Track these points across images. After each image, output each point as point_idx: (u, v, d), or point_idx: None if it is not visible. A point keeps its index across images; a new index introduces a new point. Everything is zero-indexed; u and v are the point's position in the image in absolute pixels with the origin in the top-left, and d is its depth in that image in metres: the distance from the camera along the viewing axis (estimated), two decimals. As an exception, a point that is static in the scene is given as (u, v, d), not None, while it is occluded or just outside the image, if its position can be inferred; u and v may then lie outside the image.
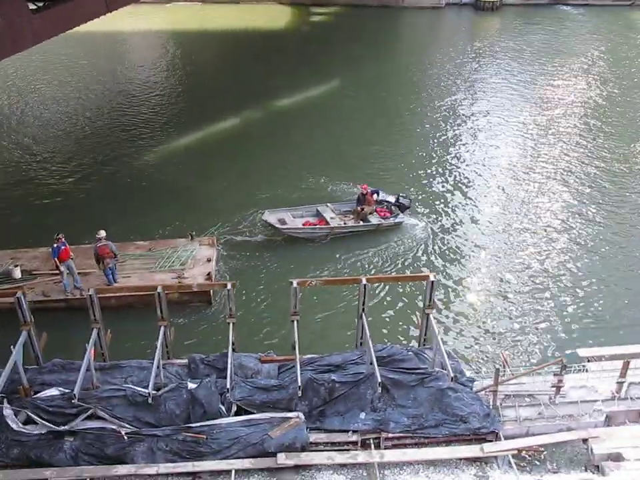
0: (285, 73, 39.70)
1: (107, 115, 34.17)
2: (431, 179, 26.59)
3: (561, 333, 17.74)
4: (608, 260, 21.15)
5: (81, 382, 12.71)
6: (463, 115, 33.81)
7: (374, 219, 22.37)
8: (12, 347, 12.98)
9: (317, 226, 22.02)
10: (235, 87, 37.91)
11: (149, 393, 12.70)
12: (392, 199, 23.09)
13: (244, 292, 18.99)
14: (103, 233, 18.36)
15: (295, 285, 13.80)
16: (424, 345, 14.93)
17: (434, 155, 28.80)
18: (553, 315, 18.47)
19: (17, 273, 19.10)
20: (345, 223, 22.14)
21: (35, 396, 13.34)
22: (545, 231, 22.81)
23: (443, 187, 26.05)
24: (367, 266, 20.64)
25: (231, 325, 14.09)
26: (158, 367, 13.23)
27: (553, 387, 13.53)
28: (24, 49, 18.73)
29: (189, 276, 19.10)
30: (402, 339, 17.30)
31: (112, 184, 26.21)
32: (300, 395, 13.02)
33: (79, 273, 18.80)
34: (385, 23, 54.97)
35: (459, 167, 27.75)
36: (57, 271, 18.54)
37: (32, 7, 19.12)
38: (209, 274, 19.10)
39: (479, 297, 19.40)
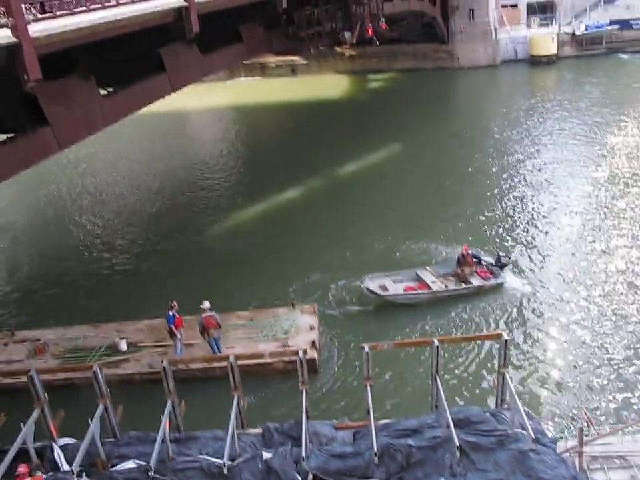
0: (347, 140, 40.43)
1: (176, 189, 35.28)
2: (510, 237, 26.23)
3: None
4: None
5: (156, 454, 12.75)
6: (529, 170, 33.59)
7: (475, 280, 21.91)
8: (90, 419, 13.18)
9: (420, 291, 21.62)
10: (297, 156, 38.86)
11: (224, 464, 12.62)
12: (488, 259, 22.74)
13: (341, 358, 18.80)
14: (207, 304, 18.49)
15: (366, 349, 13.65)
16: (501, 405, 14.45)
17: (508, 212, 28.55)
18: (637, 369, 17.65)
19: (123, 346, 19.49)
20: (446, 286, 21.70)
21: (112, 469, 13.43)
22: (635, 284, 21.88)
23: (523, 242, 25.67)
24: (468, 327, 20.10)
25: (304, 392, 13.98)
26: (232, 437, 13.18)
27: (644, 446, 12.83)
28: (97, 131, 19.65)
29: (293, 344, 18.85)
30: (478, 400, 16.78)
31: (189, 257, 26.65)
32: (376, 462, 12.70)
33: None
34: (441, 84, 55.68)
35: (535, 222, 27.40)
36: (161, 344, 18.98)
37: (102, 92, 20.12)
38: (313, 342, 18.82)
39: (558, 352, 18.72)
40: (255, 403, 16.83)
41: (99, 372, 13.64)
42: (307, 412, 13.72)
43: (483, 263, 22.49)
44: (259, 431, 14.40)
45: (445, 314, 20.78)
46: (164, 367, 13.83)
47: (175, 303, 18.58)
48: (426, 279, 21.96)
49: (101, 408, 13.71)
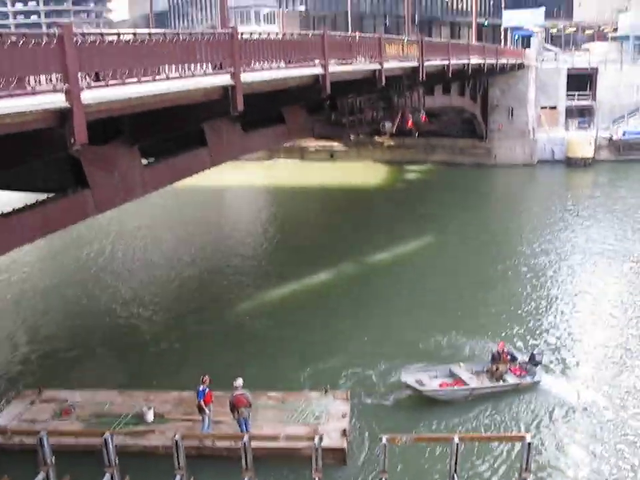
0: (379, 229, 40.62)
1: (207, 263, 35.60)
2: (539, 338, 25.53)
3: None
4: None
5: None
6: (560, 272, 33.17)
7: (510, 378, 21.49)
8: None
9: (457, 387, 21.16)
10: (330, 241, 39.05)
11: None
12: (520, 355, 22.36)
13: (371, 449, 18.12)
14: (240, 382, 18.09)
15: (384, 441, 13.28)
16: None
17: (539, 313, 27.96)
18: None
19: (150, 416, 19.11)
20: (482, 383, 21.34)
21: None
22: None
23: (553, 343, 25.02)
24: (500, 427, 19.41)
25: (317, 479, 13.55)
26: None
27: None
28: (134, 198, 20.01)
29: (323, 431, 18.04)
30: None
31: (217, 332, 26.35)
32: None
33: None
34: (477, 180, 56.20)
35: (566, 325, 26.89)
36: (189, 418, 18.66)
37: (144, 161, 20.60)
38: (344, 430, 18.14)
39: (587, 462, 17.77)
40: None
41: (109, 439, 13.44)
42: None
43: (517, 361, 22.06)
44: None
45: (478, 411, 20.20)
46: (176, 441, 13.57)
47: (206, 378, 18.21)
48: (461, 375, 21.56)
49: (107, 477, 13.43)
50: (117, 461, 13.69)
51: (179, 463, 13.66)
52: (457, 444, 13.22)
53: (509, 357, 21.78)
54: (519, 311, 28.07)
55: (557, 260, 34.86)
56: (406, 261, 35.30)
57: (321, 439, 13.65)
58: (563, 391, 21.22)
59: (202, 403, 17.99)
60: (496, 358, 21.71)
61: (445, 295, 29.79)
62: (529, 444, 13.13)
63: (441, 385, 21.26)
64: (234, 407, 17.92)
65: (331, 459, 17.27)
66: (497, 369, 21.49)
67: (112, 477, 13.58)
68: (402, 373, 21.32)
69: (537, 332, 26.02)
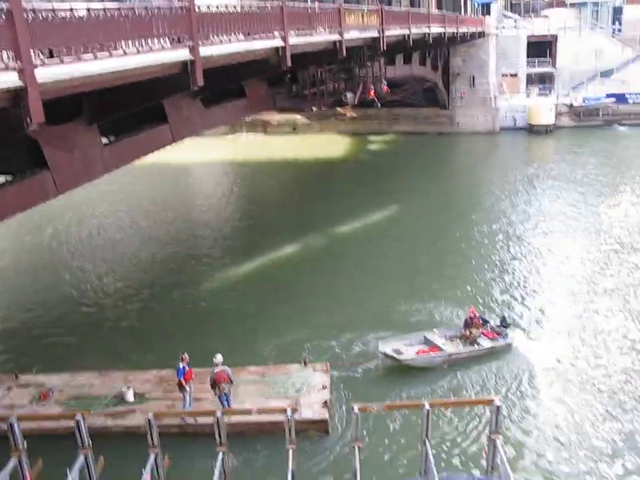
0: (345, 199, 40.95)
1: (174, 239, 35.38)
2: (507, 299, 26.29)
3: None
4: None
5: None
6: (521, 237, 33.79)
7: (484, 342, 22.03)
8: (68, 470, 12.82)
9: (434, 354, 21.58)
10: (296, 213, 39.32)
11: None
12: (491, 319, 23.04)
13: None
14: (220, 358, 18.09)
15: (355, 410, 13.42)
16: (491, 472, 14.11)
17: (505, 275, 28.69)
18: (629, 448, 17.19)
19: (130, 396, 19.10)
20: (457, 349, 21.78)
21: (88, 524, 13.01)
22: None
23: (521, 304, 25.83)
24: (479, 389, 19.97)
25: (291, 451, 13.67)
26: (215, 495, 12.82)
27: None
28: (96, 177, 19.66)
29: (304, 403, 18.48)
30: (469, 466, 16.38)
31: (187, 309, 26.43)
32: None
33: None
34: (441, 148, 56.56)
35: (530, 284, 27.74)
36: (169, 396, 18.75)
37: (104, 139, 20.24)
38: (325, 402, 18.38)
39: (557, 421, 18.29)
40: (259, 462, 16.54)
41: (82, 421, 13.36)
42: (292, 473, 13.39)
43: (489, 324, 22.61)
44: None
45: (453, 376, 20.70)
46: (149, 419, 13.54)
47: (185, 355, 18.24)
48: (436, 342, 22.03)
49: (81, 459, 13.37)
50: (91, 443, 13.60)
51: (152, 441, 13.64)
52: (428, 410, 13.40)
53: (480, 321, 22.27)
54: (485, 275, 28.65)
55: (520, 224, 35.60)
56: (372, 231, 35.54)
57: (293, 410, 13.73)
58: (533, 351, 21.83)
59: (182, 380, 17.98)
60: (468, 323, 22.24)
61: (411, 263, 30.20)
62: (498, 407, 13.35)
63: (417, 353, 21.65)
64: (214, 383, 17.94)
65: (314, 430, 17.65)
66: (470, 334, 22.00)
67: (86, 459, 13.51)
68: (379, 343, 21.62)
69: (505, 295, 26.63)
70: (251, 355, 21.78)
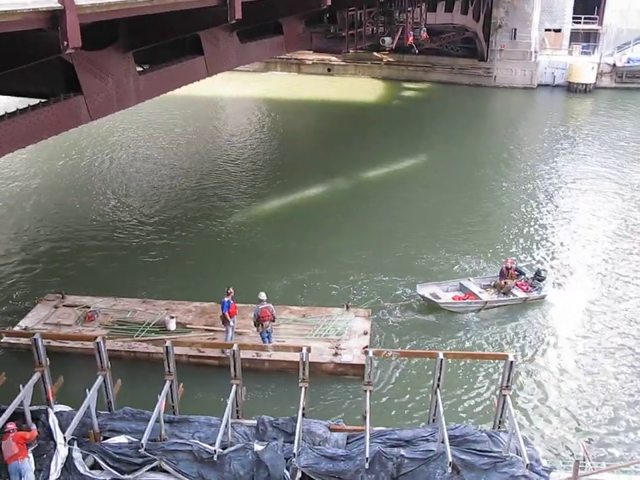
0: (375, 145, 40.43)
1: (203, 174, 35.50)
2: (547, 251, 26.68)
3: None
4: None
5: (149, 432, 12.77)
6: (551, 195, 33.41)
7: (518, 293, 22.42)
8: (87, 390, 13.22)
9: (471, 300, 22.00)
10: (325, 155, 38.83)
11: (215, 451, 12.62)
12: (529, 272, 23.36)
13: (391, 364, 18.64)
14: (263, 295, 18.43)
15: (370, 354, 13.60)
16: (499, 427, 14.32)
17: (536, 232, 28.68)
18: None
19: (172, 325, 19.50)
20: (492, 297, 22.21)
21: (104, 441, 13.47)
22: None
23: (559, 257, 26.20)
24: (511, 340, 20.34)
25: (303, 389, 13.96)
26: (226, 426, 13.17)
27: (638, 486, 12.66)
28: (128, 106, 19.70)
29: (345, 347, 18.70)
30: (478, 419, 16.62)
31: (218, 244, 26.74)
32: (367, 468, 12.65)
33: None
34: (476, 101, 55.48)
35: (569, 241, 27.85)
36: (210, 328, 19.31)
37: (139, 68, 20.16)
38: (365, 347, 18.37)
39: (563, 383, 18.46)
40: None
41: (101, 343, 13.71)
42: (303, 409, 13.69)
43: (524, 276, 22.92)
44: (253, 422, 14.39)
45: (487, 327, 21.08)
46: (167, 347, 13.85)
47: (231, 290, 18.53)
48: (472, 289, 22.49)
49: (99, 380, 13.76)
50: (110, 365, 13.98)
51: (169, 369, 13.98)
52: (442, 360, 13.55)
53: (516, 273, 22.64)
54: (518, 230, 28.69)
55: (551, 181, 35.20)
56: (400, 177, 35.42)
57: (308, 350, 13.95)
58: (567, 305, 22.26)
59: (227, 314, 18.29)
60: (504, 273, 22.61)
61: (439, 213, 30.17)
62: (511, 362, 13.44)
63: (453, 298, 22.17)
64: (259, 320, 18.26)
65: (352, 375, 17.93)
66: (505, 284, 22.40)
67: (104, 380, 13.92)
68: (417, 286, 22.18)
69: (539, 250, 26.82)
70: (287, 295, 22.00)
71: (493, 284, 22.72)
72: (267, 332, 18.40)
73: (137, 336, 19.07)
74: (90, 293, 21.60)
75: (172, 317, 19.66)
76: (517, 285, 22.58)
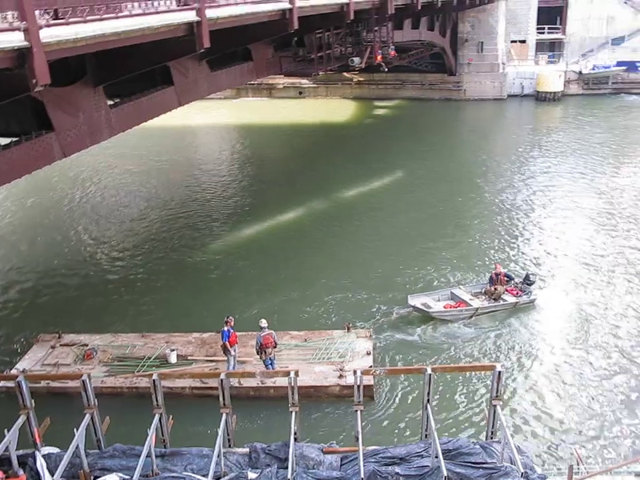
0: (351, 164, 40.84)
1: (180, 202, 35.34)
2: (527, 256, 27.02)
3: None
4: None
5: (140, 469, 12.53)
6: (525, 201, 33.80)
7: (509, 298, 22.69)
8: (75, 430, 13.01)
9: (462, 308, 22.22)
10: (300, 178, 38.98)
11: (209, 482, 12.44)
12: (516, 277, 23.66)
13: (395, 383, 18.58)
14: (265, 322, 18.29)
15: (358, 374, 13.54)
16: (492, 437, 14.28)
17: (514, 239, 28.95)
18: (633, 408, 17.45)
19: (173, 358, 19.31)
20: (483, 304, 22.45)
21: (95, 481, 13.23)
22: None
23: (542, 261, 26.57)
24: (502, 348, 20.48)
25: (294, 413, 13.83)
26: (218, 456, 13.00)
27: (634, 488, 12.66)
28: (101, 140, 19.63)
29: (349, 369, 18.42)
30: (471, 431, 16.60)
31: (197, 273, 26.57)
32: (363, 488, 12.52)
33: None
34: (447, 115, 56.06)
35: (550, 245, 28.10)
36: (211, 358, 19.07)
37: (110, 102, 20.15)
38: (370, 367, 18.22)
39: (553, 388, 18.51)
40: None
41: (87, 381, 13.50)
42: (295, 434, 13.56)
43: (514, 281, 23.23)
44: (245, 450, 14.21)
45: (481, 335, 21.25)
46: (154, 380, 13.68)
47: (231, 319, 18.39)
48: (463, 297, 22.69)
49: (87, 418, 13.53)
50: (97, 402, 13.77)
51: (157, 402, 13.81)
52: (430, 375, 13.51)
53: (505, 278, 22.89)
54: (499, 239, 29.08)
55: (525, 189, 35.72)
56: (376, 195, 35.57)
57: (296, 374, 13.85)
58: (554, 307, 22.61)
59: (227, 344, 18.15)
60: (494, 279, 22.87)
61: (419, 228, 30.36)
62: (499, 372, 13.43)
63: (445, 307, 22.35)
64: (261, 347, 18.10)
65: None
66: (496, 290, 22.65)
67: (92, 418, 13.70)
68: (408, 297, 22.33)
69: (521, 256, 27.18)
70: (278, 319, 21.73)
71: (483, 291, 23.00)
72: (270, 359, 18.28)
73: (137, 371, 18.86)
74: (75, 330, 21.34)
75: (172, 350, 19.46)
76: (507, 290, 22.85)
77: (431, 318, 21.83)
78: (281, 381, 17.28)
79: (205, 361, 19.40)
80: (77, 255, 28.81)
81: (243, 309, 22.05)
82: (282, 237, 30.06)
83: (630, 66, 60.08)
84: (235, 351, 18.45)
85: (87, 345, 20.35)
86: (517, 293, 22.83)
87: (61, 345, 20.49)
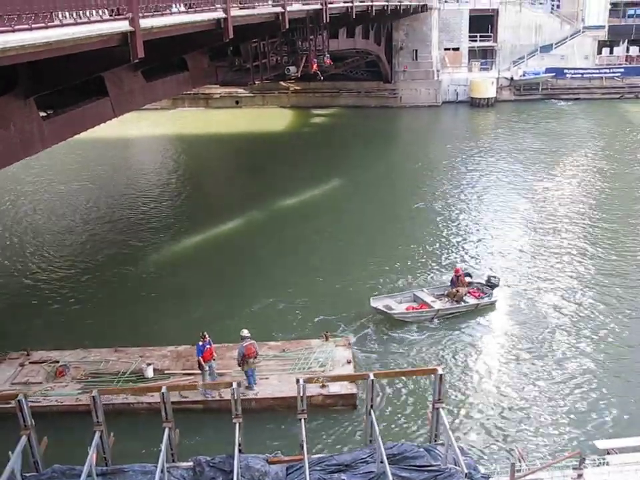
0: (289, 173, 40.91)
1: (116, 217, 34.68)
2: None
3: (579, 423, 17.14)
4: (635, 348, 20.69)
5: (81, 489, 12.25)
6: (463, 207, 34.54)
7: (470, 300, 23.09)
8: (10, 452, 12.61)
9: (424, 309, 22.46)
10: (240, 189, 38.92)
11: (153, 499, 12.23)
12: (476, 278, 24.28)
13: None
14: (246, 332, 17.96)
15: (301, 382, 13.55)
16: (436, 440, 14.49)
17: (444, 249, 29.19)
18: (570, 405, 17.96)
19: (150, 372, 18.78)
20: (445, 306, 22.79)
21: (33, 505, 12.85)
22: (572, 318, 22.73)
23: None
24: (452, 348, 20.84)
25: (237, 424, 13.73)
26: (162, 471, 12.80)
27: (572, 482, 13.04)
28: (34, 153, 19.13)
29: (331, 378, 18.30)
30: (413, 435, 16.78)
31: (128, 286, 26.09)
32: (309, 497, 12.52)
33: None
34: (384, 122, 56.74)
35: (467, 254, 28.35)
36: (189, 372, 18.67)
37: (42, 113, 19.66)
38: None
39: (493, 389, 18.90)
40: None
41: (23, 401, 13.11)
42: (239, 445, 13.47)
43: (474, 283, 23.80)
44: (189, 464, 14.03)
45: (447, 334, 21.64)
46: (93, 397, 13.39)
47: (206, 334, 17.96)
48: (425, 299, 23.03)
49: (23, 440, 13.13)
50: (34, 422, 13.37)
51: (97, 420, 13.52)
52: (372, 380, 13.63)
53: (465, 278, 23.47)
54: (428, 243, 29.52)
55: (461, 193, 36.63)
56: (314, 204, 35.74)
57: (239, 384, 13.77)
58: (515, 308, 23.33)
59: (200, 359, 17.82)
60: (454, 281, 23.36)
61: (362, 235, 30.61)
62: (441, 376, 13.66)
63: (407, 309, 22.62)
64: (243, 358, 17.75)
65: (341, 406, 17.82)
66: (457, 292, 23.07)
67: (29, 439, 13.29)
68: (370, 300, 22.50)
69: (470, 259, 27.88)
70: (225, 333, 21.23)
71: (446, 293, 23.41)
72: (251, 370, 17.96)
73: (114, 386, 18.22)
74: (44, 347, 20.52)
75: (149, 364, 18.99)
76: (469, 292, 23.32)
77: (394, 320, 22.06)
78: (262, 392, 17.39)
79: (182, 375, 18.98)
80: (18, 270, 27.96)
81: (210, 321, 21.76)
82: (224, 246, 29.89)
83: (558, 72, 62.15)
84: (210, 367, 18.12)
85: (58, 362, 19.58)
86: (479, 295, 23.34)
87: (30, 363, 19.70)
